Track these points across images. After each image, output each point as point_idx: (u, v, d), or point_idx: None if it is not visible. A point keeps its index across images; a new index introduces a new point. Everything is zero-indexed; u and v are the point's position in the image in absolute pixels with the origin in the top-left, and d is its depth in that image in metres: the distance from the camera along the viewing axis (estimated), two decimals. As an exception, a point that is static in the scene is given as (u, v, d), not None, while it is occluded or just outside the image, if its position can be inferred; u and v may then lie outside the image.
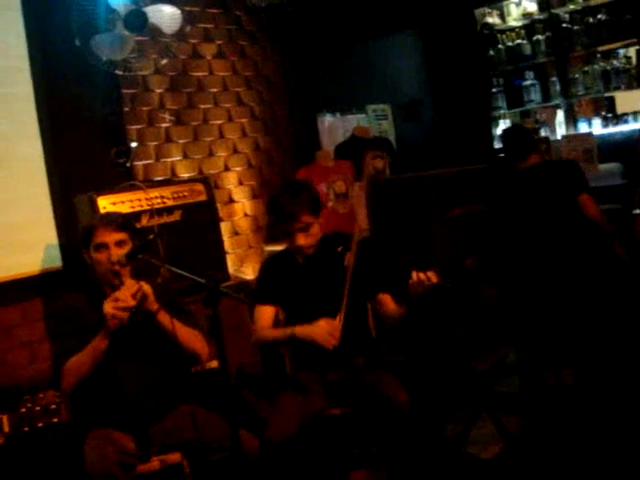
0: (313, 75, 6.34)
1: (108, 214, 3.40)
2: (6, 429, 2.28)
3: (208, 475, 2.98)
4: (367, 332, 3.39)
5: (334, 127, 6.59)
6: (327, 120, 6.57)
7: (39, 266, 4.40)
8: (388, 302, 3.19)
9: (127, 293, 2.79)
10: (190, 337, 2.99)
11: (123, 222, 3.05)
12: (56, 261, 4.45)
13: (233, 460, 2.76)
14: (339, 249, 3.16)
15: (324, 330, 2.98)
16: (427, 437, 3.22)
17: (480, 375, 3.72)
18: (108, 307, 2.76)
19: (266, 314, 3.25)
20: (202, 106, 5.55)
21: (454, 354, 3.83)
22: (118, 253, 2.92)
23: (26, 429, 2.26)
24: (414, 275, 2.88)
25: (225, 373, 2.52)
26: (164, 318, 2.90)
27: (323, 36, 6.30)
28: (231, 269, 4.94)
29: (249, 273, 5.26)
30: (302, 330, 3.06)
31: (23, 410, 2.27)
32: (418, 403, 3.05)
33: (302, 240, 3.14)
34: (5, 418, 2.29)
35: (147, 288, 2.84)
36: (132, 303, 2.79)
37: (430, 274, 2.86)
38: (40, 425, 2.26)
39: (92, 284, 3.06)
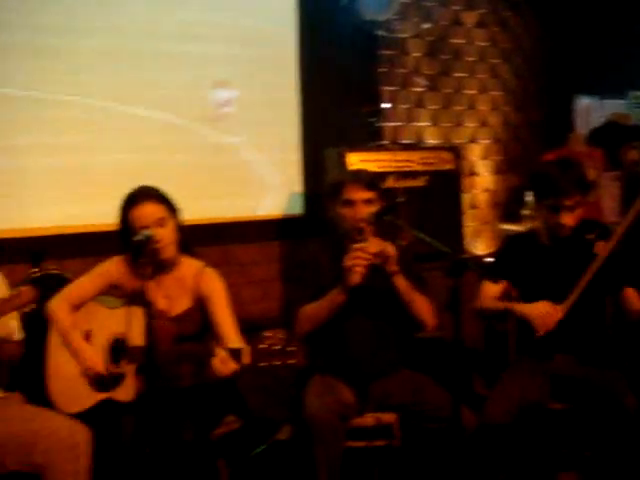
0: (574, 54, 6.05)
1: (359, 171, 3.42)
2: (246, 360, 2.41)
3: (418, 441, 2.99)
4: (602, 327, 3.22)
5: (590, 110, 6.26)
6: (584, 102, 6.26)
7: (281, 211, 4.61)
8: (634, 298, 3.02)
9: (371, 250, 2.83)
10: (422, 304, 2.99)
11: (373, 181, 3.06)
12: (298, 208, 4.64)
13: (448, 433, 2.75)
14: (590, 236, 3.01)
15: (542, 312, 2.91)
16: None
17: None
18: (350, 261, 2.81)
19: (494, 288, 3.18)
20: (456, 74, 5.50)
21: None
22: (364, 211, 2.95)
23: (264, 364, 2.38)
24: None
25: (460, 347, 2.50)
26: (401, 282, 2.91)
27: (588, 15, 5.98)
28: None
29: (481, 248, 5.18)
30: (520, 307, 3.03)
31: (263, 346, 2.38)
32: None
33: (567, 219, 3.00)
34: (246, 349, 2.42)
35: (391, 249, 2.86)
36: (374, 261, 2.82)
37: None
38: (277, 363, 2.36)
39: (335, 237, 3.12)
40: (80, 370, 2.80)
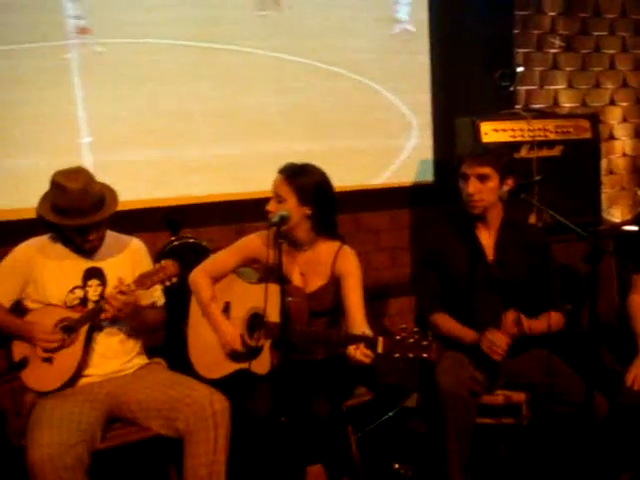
0: None
1: (483, 146, 3.36)
2: (380, 350, 2.48)
3: (548, 424, 2.97)
4: None
5: None
6: None
7: (412, 178, 4.60)
8: None
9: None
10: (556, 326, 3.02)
11: (491, 157, 2.99)
12: (428, 176, 4.63)
13: (580, 418, 2.72)
14: None
15: None
16: None
17: None
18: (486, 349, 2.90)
19: None
20: (595, 33, 5.25)
21: None
22: (476, 186, 2.94)
23: (396, 355, 2.44)
24: None
25: (593, 331, 2.46)
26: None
27: None
28: (600, 209, 4.74)
29: (618, 216, 5.00)
30: None
31: (398, 337, 2.43)
32: None
33: None
34: (381, 340, 2.49)
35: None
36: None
37: None
38: (410, 356, 2.42)
39: (462, 211, 3.11)
40: (219, 342, 2.94)
